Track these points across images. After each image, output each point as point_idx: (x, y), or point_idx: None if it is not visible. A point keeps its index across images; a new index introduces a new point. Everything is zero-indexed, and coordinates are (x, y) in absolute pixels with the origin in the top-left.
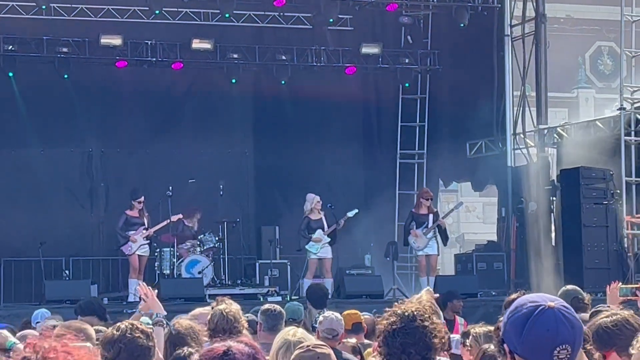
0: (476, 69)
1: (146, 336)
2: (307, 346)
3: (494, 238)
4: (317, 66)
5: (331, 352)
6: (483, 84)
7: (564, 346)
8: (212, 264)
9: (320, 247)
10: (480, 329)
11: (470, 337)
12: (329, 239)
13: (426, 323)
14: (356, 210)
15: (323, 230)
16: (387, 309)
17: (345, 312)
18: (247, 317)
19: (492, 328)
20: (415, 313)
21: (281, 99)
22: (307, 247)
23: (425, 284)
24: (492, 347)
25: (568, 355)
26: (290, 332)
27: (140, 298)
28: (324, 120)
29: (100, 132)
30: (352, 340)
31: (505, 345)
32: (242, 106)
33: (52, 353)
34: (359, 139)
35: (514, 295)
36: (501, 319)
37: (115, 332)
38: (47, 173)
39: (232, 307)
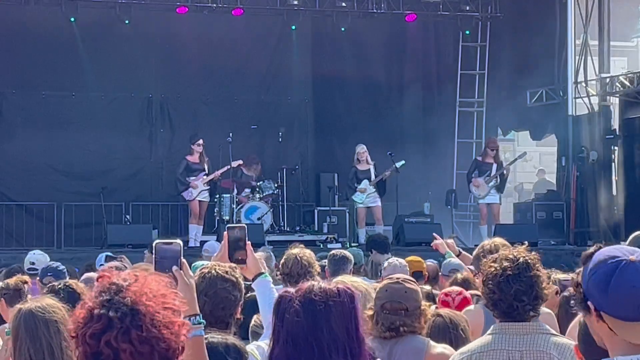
0: (538, 16)
1: (232, 285)
2: (397, 279)
3: (551, 188)
4: (377, 13)
5: (419, 290)
6: (544, 32)
7: None
8: (271, 210)
9: (365, 197)
10: (559, 275)
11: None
12: (374, 189)
13: (539, 273)
14: (403, 162)
15: (369, 180)
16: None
17: (409, 259)
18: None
19: (571, 275)
20: (529, 262)
21: (341, 46)
22: (353, 197)
23: (485, 233)
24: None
25: None
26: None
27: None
28: (383, 68)
29: (160, 78)
30: (427, 287)
31: (589, 303)
32: (301, 53)
33: (141, 297)
34: (418, 87)
35: (591, 250)
36: (578, 271)
37: (200, 281)
38: (107, 118)
39: (305, 251)
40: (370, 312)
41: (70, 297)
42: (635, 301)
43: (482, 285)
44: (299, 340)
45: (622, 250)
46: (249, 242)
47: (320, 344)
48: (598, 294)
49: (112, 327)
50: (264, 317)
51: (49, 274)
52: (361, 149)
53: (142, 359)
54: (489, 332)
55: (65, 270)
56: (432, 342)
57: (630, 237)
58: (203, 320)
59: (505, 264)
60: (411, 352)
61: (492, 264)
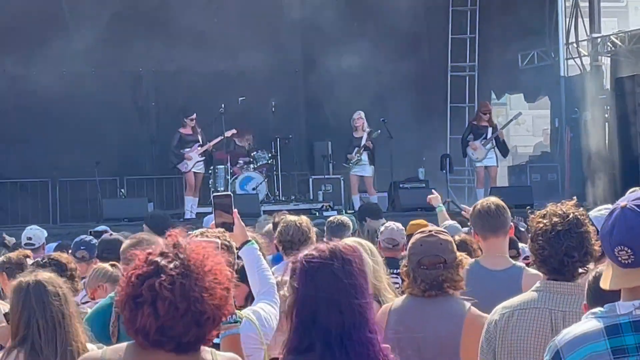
0: None
1: (226, 248)
2: (430, 231)
3: (545, 150)
4: None
5: (452, 240)
6: None
7: (620, 247)
8: (265, 180)
9: (353, 165)
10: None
11: None
12: (358, 157)
13: (589, 228)
14: (379, 131)
15: (359, 148)
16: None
17: (413, 222)
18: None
19: None
20: (579, 217)
21: (330, 13)
22: (344, 164)
23: (482, 196)
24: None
25: (631, 257)
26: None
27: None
28: (373, 33)
29: (150, 53)
30: (463, 231)
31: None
32: (291, 21)
33: (196, 256)
34: (409, 52)
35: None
36: None
37: None
38: (98, 93)
39: (302, 217)
40: (405, 270)
41: (58, 270)
42: (607, 245)
43: (531, 241)
44: (327, 297)
45: (633, 196)
46: (235, 210)
47: (349, 298)
48: (601, 239)
49: (159, 274)
50: (253, 285)
51: (81, 247)
52: (356, 115)
53: (177, 314)
54: (533, 288)
55: (96, 243)
56: (473, 308)
57: (627, 193)
58: (240, 319)
59: (555, 219)
60: (450, 315)
61: (541, 220)
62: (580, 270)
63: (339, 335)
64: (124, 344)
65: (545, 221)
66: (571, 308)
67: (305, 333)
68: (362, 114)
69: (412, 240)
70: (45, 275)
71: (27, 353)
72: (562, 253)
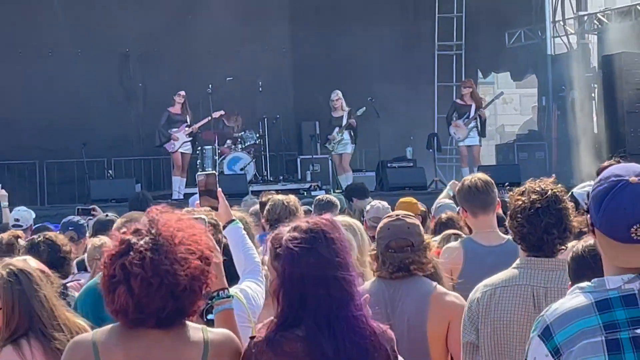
0: None
1: (214, 228)
2: (397, 215)
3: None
4: None
5: (419, 223)
6: None
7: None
8: (253, 160)
9: (336, 145)
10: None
11: None
12: (341, 137)
13: (568, 206)
14: (364, 108)
15: (340, 127)
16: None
17: (403, 200)
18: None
19: None
20: (557, 194)
21: None
22: (325, 144)
23: (467, 174)
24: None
25: None
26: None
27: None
28: (361, 13)
29: (137, 33)
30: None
31: (588, 217)
32: (279, 2)
33: (167, 230)
34: (396, 32)
35: (606, 163)
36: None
37: None
38: (85, 74)
39: (290, 196)
40: (374, 253)
41: (51, 250)
42: (622, 223)
43: (510, 218)
44: (314, 279)
45: (631, 169)
46: (219, 189)
47: (336, 276)
48: (594, 209)
49: (130, 251)
50: (238, 263)
51: (70, 227)
52: (335, 95)
53: (150, 289)
54: (513, 265)
55: (85, 224)
56: (439, 287)
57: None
58: (232, 294)
59: (534, 196)
60: (416, 294)
61: (520, 197)
62: (559, 246)
63: (327, 315)
64: (110, 326)
65: (523, 198)
66: (553, 284)
67: (294, 314)
68: (340, 94)
69: (380, 224)
70: (19, 263)
71: (40, 341)
72: (541, 230)
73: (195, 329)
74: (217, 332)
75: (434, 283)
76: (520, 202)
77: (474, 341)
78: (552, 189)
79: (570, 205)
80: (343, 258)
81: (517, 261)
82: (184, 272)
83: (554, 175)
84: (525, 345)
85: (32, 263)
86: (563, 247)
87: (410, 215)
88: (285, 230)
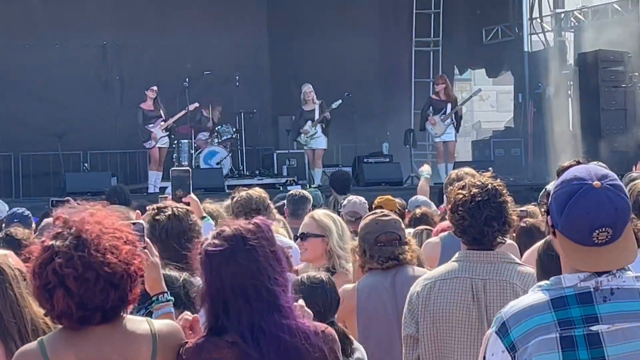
0: None
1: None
2: (382, 212)
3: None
4: None
5: (400, 220)
6: None
7: (603, 229)
8: (230, 155)
9: (309, 139)
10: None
11: None
12: (314, 131)
13: (507, 199)
14: (340, 101)
15: (312, 121)
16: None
17: (381, 198)
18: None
19: (529, 207)
20: (497, 188)
21: None
22: (297, 138)
23: (443, 171)
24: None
25: (609, 237)
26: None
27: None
28: (338, 9)
29: (114, 25)
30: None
31: (548, 218)
32: None
33: (85, 225)
34: (374, 27)
35: (566, 164)
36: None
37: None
38: (61, 66)
39: (256, 189)
40: (359, 248)
41: (11, 244)
42: (584, 227)
43: (450, 212)
44: (233, 287)
45: (593, 172)
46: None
47: (256, 285)
48: (556, 211)
49: (57, 255)
50: None
51: (15, 220)
52: (307, 88)
53: (88, 285)
54: (453, 259)
55: (30, 215)
56: (429, 272)
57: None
58: (171, 298)
59: (474, 190)
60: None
61: (461, 191)
62: (499, 239)
63: (249, 325)
64: (56, 330)
65: (464, 192)
66: (491, 276)
67: (220, 322)
68: (311, 86)
69: (366, 221)
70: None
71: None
72: (482, 223)
73: (141, 321)
74: (163, 323)
75: (423, 269)
76: (461, 196)
77: (413, 334)
78: (492, 183)
79: (509, 199)
80: (266, 265)
81: (457, 254)
82: (117, 258)
83: (490, 169)
84: (465, 337)
85: (11, 260)
86: (502, 240)
87: (390, 213)
88: (210, 236)
